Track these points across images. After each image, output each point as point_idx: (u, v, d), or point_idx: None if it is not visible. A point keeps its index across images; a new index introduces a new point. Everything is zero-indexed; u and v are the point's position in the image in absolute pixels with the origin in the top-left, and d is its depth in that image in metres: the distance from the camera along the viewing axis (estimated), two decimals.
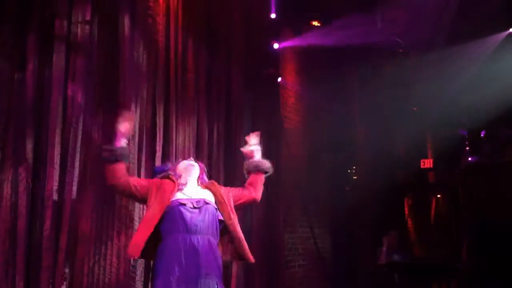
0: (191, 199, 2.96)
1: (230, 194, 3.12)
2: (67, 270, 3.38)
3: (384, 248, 5.98)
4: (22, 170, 3.27)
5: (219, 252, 2.95)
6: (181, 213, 2.87)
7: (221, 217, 2.99)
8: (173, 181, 3.02)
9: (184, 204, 2.91)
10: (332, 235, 6.62)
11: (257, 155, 3.29)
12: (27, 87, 3.35)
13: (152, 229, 2.84)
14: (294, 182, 5.93)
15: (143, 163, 3.98)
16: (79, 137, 3.56)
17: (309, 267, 6.16)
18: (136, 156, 3.89)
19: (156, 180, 3.08)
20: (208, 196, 3.03)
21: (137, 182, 3.03)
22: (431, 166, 6.95)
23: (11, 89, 3.30)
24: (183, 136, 4.48)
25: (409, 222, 7.22)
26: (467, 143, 6.91)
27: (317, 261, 6.28)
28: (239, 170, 5.16)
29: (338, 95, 6.81)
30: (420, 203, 7.27)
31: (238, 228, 3.03)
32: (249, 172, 3.26)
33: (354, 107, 7.33)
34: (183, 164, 3.15)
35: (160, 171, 3.24)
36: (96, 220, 3.65)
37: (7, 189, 3.22)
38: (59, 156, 3.47)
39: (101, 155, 3.02)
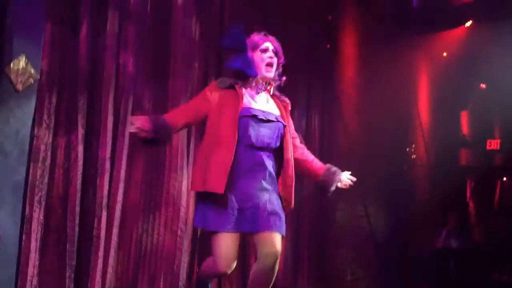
0: (261, 110, 2.60)
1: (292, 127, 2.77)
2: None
3: (444, 232, 5.70)
4: (74, 137, 3.31)
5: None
6: (249, 126, 2.53)
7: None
8: (236, 93, 2.58)
9: (255, 116, 2.56)
10: (387, 215, 6.40)
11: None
12: (80, 55, 3.36)
13: (231, 161, 2.48)
14: (348, 159, 5.74)
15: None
16: (130, 106, 3.56)
17: (360, 247, 6.00)
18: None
19: (211, 93, 2.61)
20: (276, 111, 2.67)
21: (190, 115, 2.60)
22: (498, 147, 6.51)
23: (64, 57, 3.32)
24: None
25: (471, 205, 6.85)
26: None
27: (369, 241, 6.10)
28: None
29: (400, 69, 6.47)
30: (484, 185, 6.87)
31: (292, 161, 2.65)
32: (320, 175, 2.78)
33: (416, 82, 6.95)
34: (262, 59, 2.65)
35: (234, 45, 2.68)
36: (146, 189, 3.66)
37: (60, 157, 3.28)
38: (112, 124, 3.49)
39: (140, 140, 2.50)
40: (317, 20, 5.38)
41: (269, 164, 2.58)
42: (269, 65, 2.65)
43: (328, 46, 5.51)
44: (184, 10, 3.92)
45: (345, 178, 2.80)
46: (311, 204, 5.08)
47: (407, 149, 6.70)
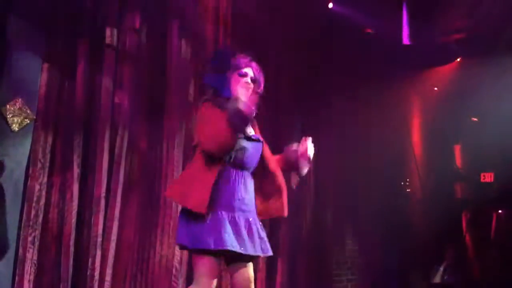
0: (249, 132, 2.56)
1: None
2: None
3: (441, 268, 5.66)
4: (69, 176, 3.32)
5: None
6: (244, 146, 2.48)
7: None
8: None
9: (250, 137, 2.51)
10: (383, 249, 6.36)
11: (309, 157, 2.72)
12: (76, 95, 3.41)
13: (213, 181, 2.40)
14: (344, 194, 5.75)
15: None
16: (125, 144, 3.58)
17: (358, 281, 5.95)
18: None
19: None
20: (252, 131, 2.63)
21: None
22: (492, 180, 6.54)
23: (61, 97, 3.37)
24: None
25: (467, 238, 6.83)
26: None
27: (366, 276, 6.05)
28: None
29: (393, 105, 6.56)
30: (480, 218, 6.86)
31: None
32: (287, 160, 2.69)
33: (409, 117, 7.04)
34: (238, 82, 2.59)
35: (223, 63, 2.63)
36: (140, 227, 3.65)
37: (55, 196, 3.28)
38: (107, 163, 3.51)
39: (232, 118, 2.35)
40: (309, 63, 5.48)
41: (251, 183, 2.55)
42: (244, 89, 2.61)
43: (321, 84, 5.61)
44: (179, 50, 3.99)
45: (305, 146, 2.69)
46: (308, 242, 5.07)
47: (402, 183, 6.73)
